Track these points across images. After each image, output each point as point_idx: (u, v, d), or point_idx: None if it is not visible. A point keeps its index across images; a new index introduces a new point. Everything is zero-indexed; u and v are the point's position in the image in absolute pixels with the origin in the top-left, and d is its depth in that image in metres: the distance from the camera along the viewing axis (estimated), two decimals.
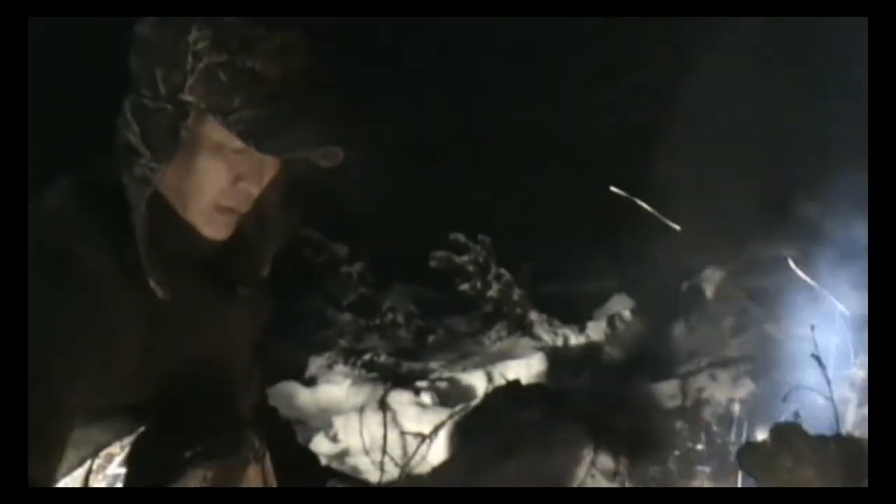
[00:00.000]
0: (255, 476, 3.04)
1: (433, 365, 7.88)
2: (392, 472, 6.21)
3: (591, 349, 7.80)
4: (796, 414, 4.59)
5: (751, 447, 4.33)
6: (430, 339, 8.42)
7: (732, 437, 5.74)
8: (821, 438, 3.81)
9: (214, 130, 2.72)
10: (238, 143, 2.72)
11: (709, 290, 7.78)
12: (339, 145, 2.82)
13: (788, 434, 3.78)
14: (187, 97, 2.68)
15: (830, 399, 4.85)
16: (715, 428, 5.88)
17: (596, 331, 7.94)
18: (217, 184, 2.80)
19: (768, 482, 3.65)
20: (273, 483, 3.22)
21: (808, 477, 3.52)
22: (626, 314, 8.05)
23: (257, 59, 2.68)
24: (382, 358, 7.86)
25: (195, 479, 2.72)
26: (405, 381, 7.28)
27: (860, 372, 5.77)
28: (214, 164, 2.77)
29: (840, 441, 3.87)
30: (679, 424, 5.98)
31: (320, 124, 2.84)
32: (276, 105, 2.71)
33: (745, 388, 6.29)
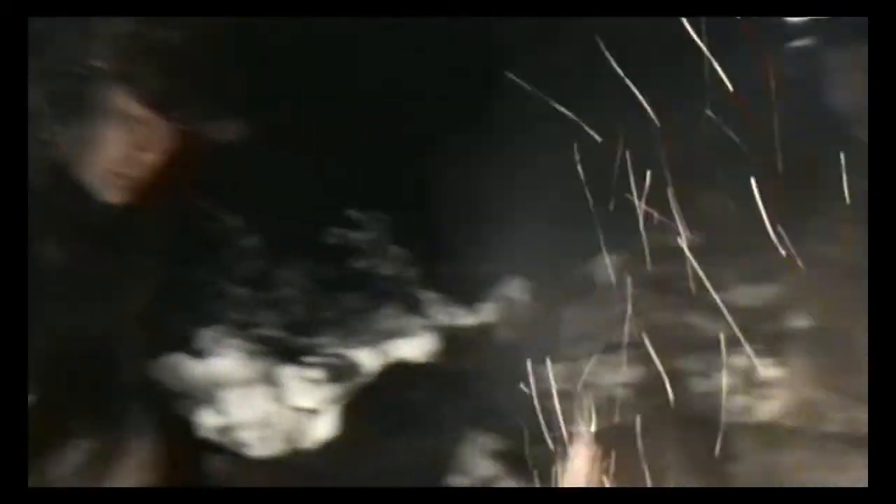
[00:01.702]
0: (138, 448, 3.02)
1: (324, 341, 7.86)
2: (278, 448, 6.22)
3: (482, 330, 7.88)
4: (675, 399, 4.72)
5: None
6: (323, 315, 8.41)
7: (616, 419, 5.92)
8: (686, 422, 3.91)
9: (119, 98, 2.68)
10: (141, 112, 2.68)
11: (602, 276, 7.92)
12: (239, 120, 2.83)
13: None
14: (95, 63, 2.63)
15: (715, 385, 5.03)
16: (600, 411, 6.03)
17: (488, 312, 8.00)
18: (117, 150, 2.76)
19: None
20: (157, 456, 3.18)
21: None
22: (519, 296, 8.14)
23: (168, 32, 2.64)
24: (274, 332, 7.83)
25: (79, 451, 2.72)
26: (295, 357, 7.31)
27: (745, 360, 6.04)
28: (115, 131, 2.73)
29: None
30: (566, 406, 6.14)
31: (223, 99, 2.85)
32: (182, 77, 2.69)
33: (632, 372, 6.55)
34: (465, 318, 8.02)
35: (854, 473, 5.16)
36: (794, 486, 4.31)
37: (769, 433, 6.06)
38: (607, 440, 5.82)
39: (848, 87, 7.32)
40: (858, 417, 5.87)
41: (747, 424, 6.12)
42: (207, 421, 6.38)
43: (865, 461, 5.18)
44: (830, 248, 6.89)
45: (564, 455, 5.79)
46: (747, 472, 5.60)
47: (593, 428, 5.85)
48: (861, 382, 5.81)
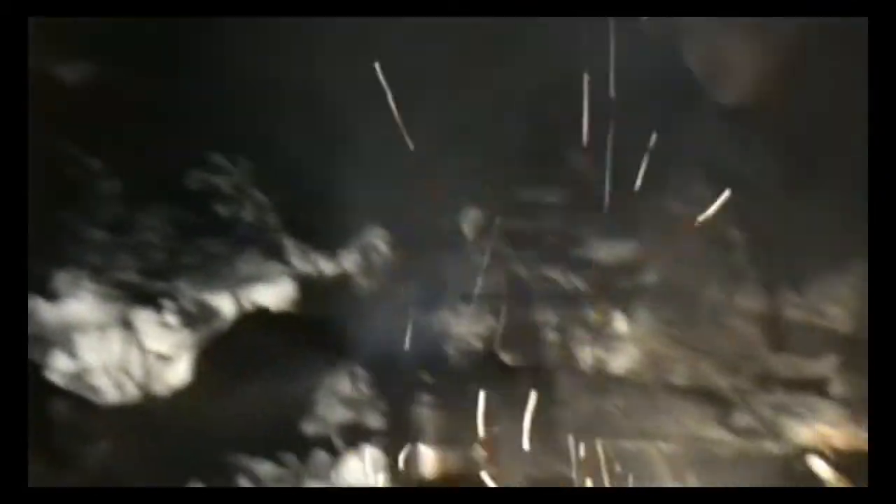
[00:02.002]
0: None
1: (182, 286, 7.52)
2: (132, 393, 6.05)
3: (342, 279, 7.61)
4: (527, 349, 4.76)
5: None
6: (182, 260, 8.03)
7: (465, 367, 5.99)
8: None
9: None
10: None
11: (466, 230, 7.90)
12: (96, 62, 2.74)
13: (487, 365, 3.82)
14: None
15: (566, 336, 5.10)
16: (451, 360, 6.09)
17: (349, 261, 7.75)
18: None
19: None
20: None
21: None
22: (381, 246, 7.97)
23: None
24: (131, 276, 7.55)
25: None
26: (152, 301, 6.91)
27: (597, 314, 6.21)
28: None
29: None
30: (418, 351, 6.14)
31: (78, 41, 2.76)
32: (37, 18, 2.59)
33: (486, 323, 6.48)
34: (326, 266, 7.92)
35: (683, 419, 5.33)
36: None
37: (598, 381, 6.06)
38: (451, 387, 5.82)
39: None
40: (702, 370, 5.98)
41: (584, 372, 6.12)
42: (59, 364, 6.12)
43: (701, 410, 5.31)
44: (689, 208, 6.82)
45: (412, 401, 5.76)
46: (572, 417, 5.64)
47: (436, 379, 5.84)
48: (705, 336, 6.01)
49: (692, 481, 5.39)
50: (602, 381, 5.76)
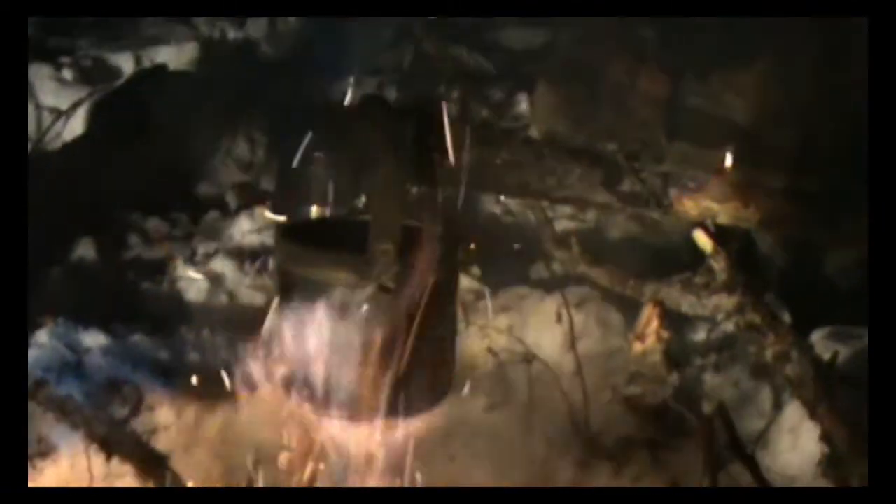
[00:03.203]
0: None
1: (81, 42, 7.58)
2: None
3: (247, 45, 7.80)
4: None
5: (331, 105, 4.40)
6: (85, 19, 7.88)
7: None
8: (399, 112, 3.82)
9: None
10: None
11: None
12: None
13: (373, 104, 3.80)
14: None
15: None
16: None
17: (256, 27, 7.86)
18: None
19: (341, 151, 3.67)
20: None
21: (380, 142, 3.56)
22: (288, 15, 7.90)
23: None
24: (30, 31, 7.61)
25: None
26: (48, 56, 7.07)
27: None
28: None
29: None
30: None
31: None
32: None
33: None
34: (233, 32, 7.90)
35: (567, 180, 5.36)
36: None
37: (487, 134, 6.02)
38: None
39: None
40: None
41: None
42: None
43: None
44: None
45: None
46: None
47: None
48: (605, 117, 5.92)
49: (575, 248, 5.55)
50: (491, 134, 5.69)
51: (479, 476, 4.68)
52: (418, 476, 3.79)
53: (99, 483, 4.15)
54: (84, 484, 4.12)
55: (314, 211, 3.59)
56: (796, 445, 4.83)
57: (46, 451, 4.40)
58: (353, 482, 3.73)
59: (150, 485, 4.03)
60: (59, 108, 6.39)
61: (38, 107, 6.43)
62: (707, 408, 4.79)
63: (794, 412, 4.87)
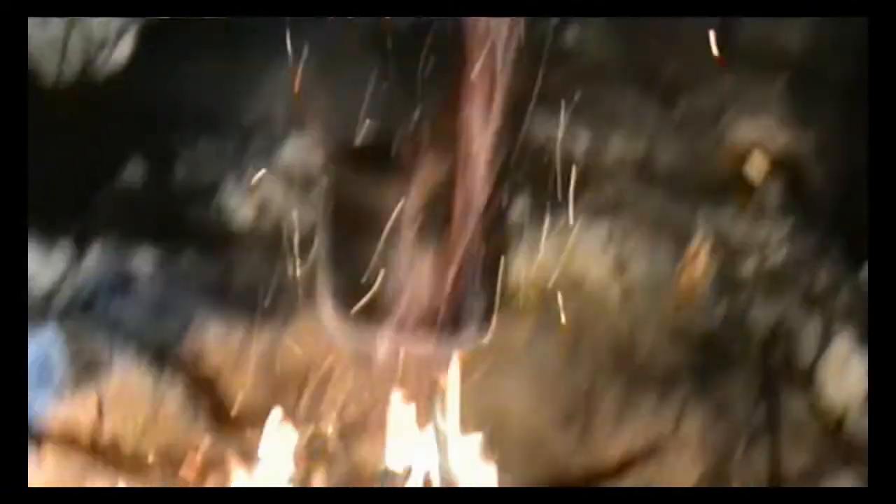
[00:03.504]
0: None
1: None
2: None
3: None
4: None
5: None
6: None
7: None
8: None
9: None
10: None
11: None
12: None
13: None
14: None
15: None
16: None
17: None
18: None
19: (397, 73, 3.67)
20: None
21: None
22: None
23: None
24: None
25: None
26: None
27: None
28: None
29: None
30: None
31: None
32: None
33: None
34: None
35: None
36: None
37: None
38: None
39: None
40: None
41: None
42: None
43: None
44: None
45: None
46: None
47: None
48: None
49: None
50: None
51: (522, 403, 4.71)
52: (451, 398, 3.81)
53: (148, 400, 4.26)
54: (135, 400, 4.24)
55: (365, 132, 3.59)
56: (844, 378, 4.79)
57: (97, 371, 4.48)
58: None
59: (200, 401, 4.12)
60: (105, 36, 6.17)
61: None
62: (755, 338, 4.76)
63: (842, 344, 4.82)
